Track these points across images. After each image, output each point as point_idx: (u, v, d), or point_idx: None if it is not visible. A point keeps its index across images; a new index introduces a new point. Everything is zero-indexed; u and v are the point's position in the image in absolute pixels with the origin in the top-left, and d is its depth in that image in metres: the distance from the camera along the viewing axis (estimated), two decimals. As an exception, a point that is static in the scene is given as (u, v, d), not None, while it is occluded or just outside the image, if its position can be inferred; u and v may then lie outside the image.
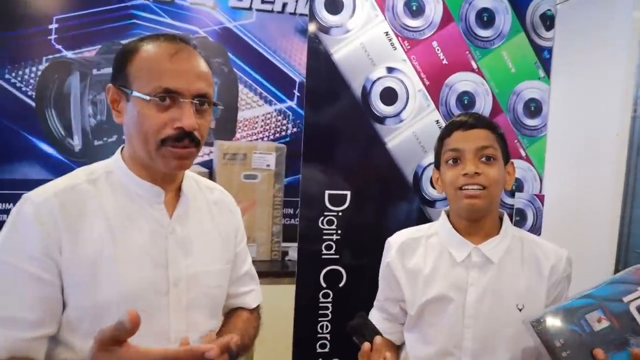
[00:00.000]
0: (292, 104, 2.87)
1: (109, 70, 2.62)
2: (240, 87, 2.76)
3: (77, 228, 0.87)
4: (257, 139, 2.82)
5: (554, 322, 0.84)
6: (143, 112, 0.87)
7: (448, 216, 1.20)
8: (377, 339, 0.95)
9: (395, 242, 1.24)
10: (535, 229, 1.94)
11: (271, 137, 2.86)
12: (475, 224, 1.12)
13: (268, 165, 2.39)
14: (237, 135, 2.78)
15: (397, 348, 1.26)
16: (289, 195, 2.67)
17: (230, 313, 1.13)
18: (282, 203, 2.45)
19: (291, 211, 2.88)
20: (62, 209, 0.87)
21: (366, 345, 0.94)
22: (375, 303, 1.30)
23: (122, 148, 0.99)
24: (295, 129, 2.88)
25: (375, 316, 1.27)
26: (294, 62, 2.84)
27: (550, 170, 1.93)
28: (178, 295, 0.94)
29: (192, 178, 1.07)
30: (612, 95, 1.68)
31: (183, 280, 0.95)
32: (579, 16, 1.83)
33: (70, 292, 0.86)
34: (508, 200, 1.93)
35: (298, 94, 2.85)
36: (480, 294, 1.08)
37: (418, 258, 1.19)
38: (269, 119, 2.88)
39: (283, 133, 2.89)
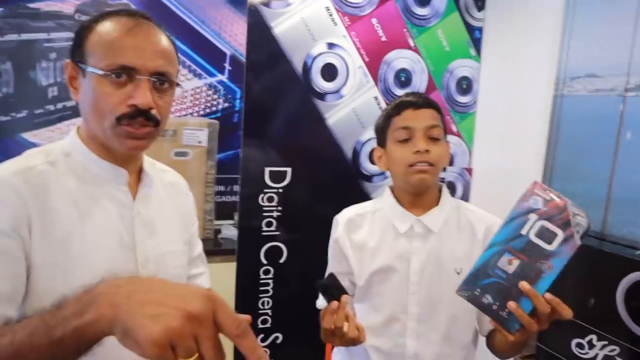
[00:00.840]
0: (223, 77, 2.78)
1: (14, 37, 2.38)
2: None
3: (44, 208, 0.81)
4: (186, 115, 2.71)
5: (475, 284, 0.87)
6: (98, 88, 0.82)
7: (392, 191, 1.23)
8: (344, 297, 0.98)
9: (342, 218, 1.27)
10: (464, 200, 2.05)
11: (201, 112, 2.76)
12: (419, 197, 1.17)
13: (200, 142, 2.31)
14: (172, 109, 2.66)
15: None
16: (221, 173, 2.60)
17: None
18: (215, 180, 2.39)
19: (223, 188, 2.82)
20: (27, 187, 0.80)
21: (334, 303, 0.97)
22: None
23: (78, 128, 0.92)
24: (226, 104, 2.80)
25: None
26: (225, 34, 2.74)
27: (478, 145, 2.04)
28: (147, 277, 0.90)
29: (148, 160, 1.02)
30: (537, 75, 1.79)
31: (151, 262, 0.92)
32: (508, -2, 1.92)
33: (40, 275, 0.80)
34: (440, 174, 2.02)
35: (229, 68, 2.77)
36: (423, 262, 1.14)
37: (364, 232, 1.22)
38: (198, 93, 2.77)
39: (214, 108, 2.80)
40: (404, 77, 1.92)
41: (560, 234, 0.83)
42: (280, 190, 1.80)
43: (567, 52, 1.69)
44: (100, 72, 0.81)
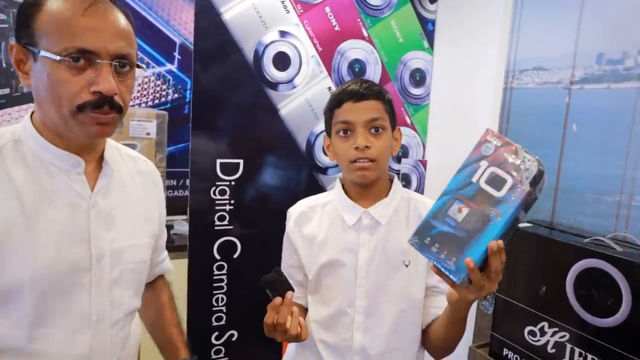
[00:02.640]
0: (173, 67, 2.68)
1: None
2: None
3: None
4: (133, 105, 2.59)
5: (425, 232, 0.84)
6: (54, 74, 0.75)
7: (343, 184, 1.21)
8: (289, 294, 0.96)
9: (294, 212, 1.25)
10: (419, 192, 2.06)
11: (150, 103, 2.65)
12: (366, 190, 1.15)
13: (148, 134, 2.22)
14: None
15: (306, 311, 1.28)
16: (172, 166, 2.51)
17: (150, 298, 1.09)
18: (165, 174, 2.30)
19: (174, 182, 2.73)
20: None
21: (278, 299, 0.95)
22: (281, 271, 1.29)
23: (32, 113, 0.86)
24: (176, 95, 2.70)
25: None
26: (174, 22, 2.64)
27: (432, 137, 2.05)
28: (101, 272, 0.86)
29: (113, 146, 0.96)
30: (487, 68, 1.82)
31: (106, 256, 0.87)
32: (460, -9, 1.93)
33: None
34: (395, 166, 2.02)
35: (179, 57, 2.67)
36: (370, 254, 1.12)
37: (313, 225, 1.20)
38: (146, 83, 2.66)
39: (163, 99, 2.70)
40: (357, 68, 1.90)
41: (509, 180, 0.80)
42: (233, 183, 1.74)
43: (516, 45, 1.72)
44: (57, 58, 0.74)
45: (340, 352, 1.12)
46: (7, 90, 2.35)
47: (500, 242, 0.80)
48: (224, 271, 1.77)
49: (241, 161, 1.75)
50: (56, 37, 0.75)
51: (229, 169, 1.73)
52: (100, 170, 0.89)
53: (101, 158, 0.91)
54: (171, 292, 1.19)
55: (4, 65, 2.34)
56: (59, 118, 0.79)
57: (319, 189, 1.89)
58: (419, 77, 2.01)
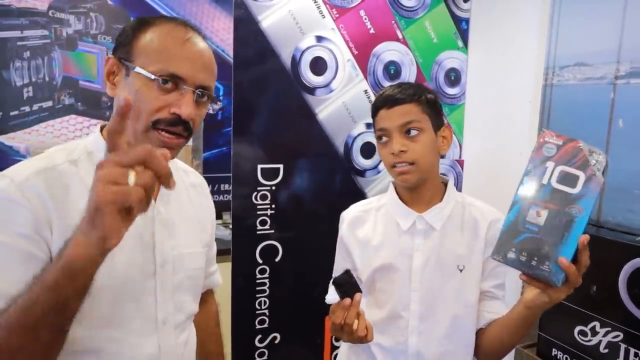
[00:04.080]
0: (205, 74, 2.73)
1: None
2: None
3: (64, 210, 0.81)
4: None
5: (507, 244, 0.84)
6: (143, 90, 0.83)
7: (395, 187, 1.22)
8: (357, 295, 0.97)
9: (347, 216, 1.26)
10: (457, 193, 2.06)
11: (184, 110, 2.70)
12: (416, 193, 1.16)
13: (185, 140, 2.26)
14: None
15: None
16: (207, 172, 2.56)
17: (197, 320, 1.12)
18: (203, 179, 2.34)
19: (210, 188, 2.78)
20: (48, 188, 0.80)
21: (347, 300, 0.96)
22: (333, 274, 1.30)
23: (102, 127, 0.93)
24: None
25: (331, 287, 1.28)
26: (207, 30, 2.69)
27: (468, 136, 2.04)
28: (164, 277, 0.91)
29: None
30: (525, 65, 1.80)
31: (169, 262, 0.92)
32: (494, -12, 1.92)
33: None
34: (432, 167, 2.01)
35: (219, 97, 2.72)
36: (425, 259, 1.12)
37: (367, 229, 1.21)
38: (180, 91, 2.71)
39: (197, 106, 2.75)
40: (393, 70, 1.90)
41: (582, 175, 0.81)
42: (273, 188, 1.77)
43: (556, 41, 1.70)
44: (151, 76, 0.82)
45: (395, 355, 1.13)
46: (50, 103, 2.43)
47: (587, 235, 0.81)
48: (266, 275, 1.80)
49: (281, 166, 1.77)
50: (154, 59, 0.83)
51: (269, 174, 1.76)
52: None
53: None
54: (218, 316, 1.24)
55: (47, 78, 2.42)
56: (132, 132, 0.85)
57: (357, 191, 1.91)
58: (453, 77, 2.00)
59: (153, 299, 0.90)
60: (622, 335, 1.29)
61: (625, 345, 1.28)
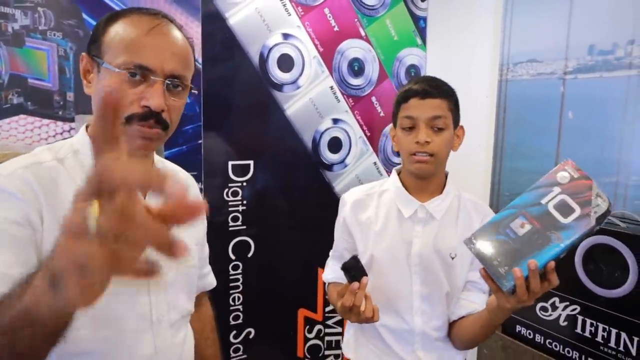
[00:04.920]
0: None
1: None
2: (101, 53, 2.48)
3: (54, 203, 0.78)
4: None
5: (483, 237, 0.90)
6: (111, 84, 0.80)
7: (399, 174, 1.26)
8: (364, 279, 1.02)
9: (349, 198, 1.29)
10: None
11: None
12: (424, 183, 1.22)
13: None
14: (102, 108, 2.51)
15: None
16: (168, 170, 2.51)
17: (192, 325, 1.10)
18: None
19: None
20: (37, 182, 0.78)
21: (355, 284, 1.01)
22: (331, 253, 1.36)
23: (87, 126, 0.90)
24: (167, 99, 2.69)
25: (332, 266, 1.33)
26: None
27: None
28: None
29: (159, 160, 1.00)
30: (481, 61, 1.90)
31: (161, 261, 0.89)
32: (449, -12, 2.02)
33: None
34: (395, 160, 2.09)
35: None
36: (423, 245, 1.19)
37: (370, 213, 1.25)
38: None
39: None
40: (357, 66, 1.96)
41: (578, 210, 0.86)
42: (244, 184, 1.78)
43: (509, 38, 1.81)
44: (115, 70, 0.79)
45: (402, 334, 1.19)
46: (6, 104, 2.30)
47: (553, 263, 0.86)
48: (239, 270, 1.81)
49: (251, 162, 1.79)
50: (119, 52, 0.80)
51: (240, 170, 1.77)
52: None
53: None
54: (213, 320, 1.23)
55: (-7, 77, 2.29)
56: None
57: (325, 185, 1.95)
58: (414, 73, 2.08)
59: (147, 298, 0.88)
60: (579, 308, 1.41)
61: (582, 317, 1.41)
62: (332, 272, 1.32)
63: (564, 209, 0.87)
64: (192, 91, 0.89)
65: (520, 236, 0.88)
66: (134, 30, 0.81)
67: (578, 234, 0.85)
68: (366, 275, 1.02)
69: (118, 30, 0.81)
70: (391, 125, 1.27)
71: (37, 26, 2.43)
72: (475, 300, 1.18)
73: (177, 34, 0.85)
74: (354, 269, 1.02)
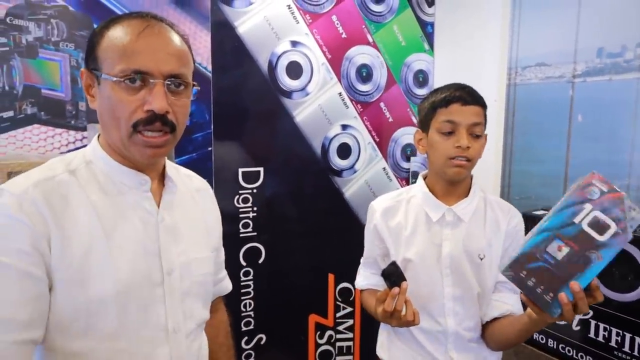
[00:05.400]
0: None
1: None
2: (112, 63, 2.52)
3: (63, 221, 0.78)
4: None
5: (521, 266, 0.88)
6: (113, 95, 0.79)
7: (424, 179, 1.27)
8: (404, 284, 1.03)
9: (379, 206, 1.30)
10: (428, 189, 2.15)
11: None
12: (453, 187, 1.23)
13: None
14: (114, 117, 2.54)
15: None
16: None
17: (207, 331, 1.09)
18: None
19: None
20: (46, 201, 0.78)
21: (396, 289, 1.02)
22: (363, 261, 1.37)
23: (99, 136, 0.90)
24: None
25: (364, 273, 1.35)
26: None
27: (437, 135, 2.13)
28: (172, 285, 0.89)
29: (172, 166, 1.00)
30: (489, 65, 1.91)
31: (176, 269, 0.89)
32: (456, -6, 2.02)
33: (61, 291, 0.78)
34: (404, 165, 2.10)
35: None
36: (453, 247, 1.21)
37: (400, 218, 1.27)
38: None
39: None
40: (365, 73, 1.97)
41: (613, 227, 0.84)
42: (255, 191, 1.79)
43: (517, 42, 1.81)
44: (114, 79, 0.79)
45: (436, 336, 1.20)
46: (10, 113, 2.35)
47: (596, 281, 0.86)
48: (250, 277, 1.82)
49: (261, 169, 1.80)
50: (115, 60, 0.79)
51: (250, 177, 1.78)
52: (163, 187, 0.93)
53: (162, 176, 0.95)
54: (229, 327, 1.20)
55: (7, 87, 2.34)
56: (118, 139, 0.83)
57: (335, 191, 1.96)
58: (422, 78, 2.09)
59: (162, 308, 0.88)
60: (592, 313, 1.41)
61: (596, 322, 1.40)
62: (365, 279, 1.34)
63: (599, 227, 0.85)
64: (195, 87, 0.88)
65: (560, 260, 0.86)
66: (124, 36, 0.80)
67: (617, 249, 0.84)
68: (405, 280, 1.03)
69: (110, 40, 0.81)
70: (417, 130, 1.27)
71: (50, 37, 2.48)
72: (508, 301, 1.19)
73: (169, 33, 0.84)
74: (393, 275, 1.03)
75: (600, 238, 0.85)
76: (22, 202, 0.76)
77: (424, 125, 1.25)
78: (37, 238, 0.75)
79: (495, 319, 1.19)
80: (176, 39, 0.84)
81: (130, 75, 0.79)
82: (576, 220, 0.86)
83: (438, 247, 1.20)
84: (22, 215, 0.75)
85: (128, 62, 0.78)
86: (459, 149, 1.15)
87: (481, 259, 1.18)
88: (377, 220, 1.28)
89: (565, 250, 0.86)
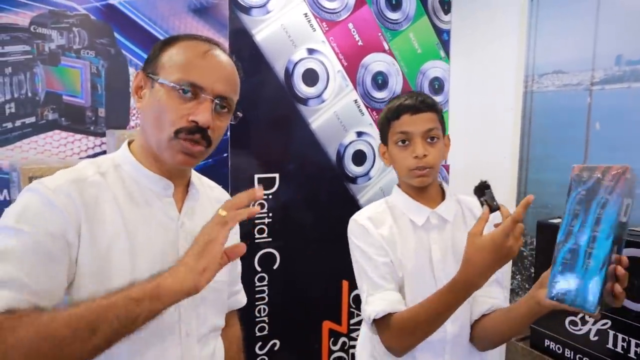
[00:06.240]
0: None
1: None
2: (131, 70, 2.56)
3: (94, 218, 0.83)
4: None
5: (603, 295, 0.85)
6: (164, 99, 0.86)
7: (400, 188, 1.27)
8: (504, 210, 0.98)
9: (362, 217, 1.24)
10: (444, 197, 2.14)
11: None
12: (426, 193, 1.22)
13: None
14: (132, 124, 2.58)
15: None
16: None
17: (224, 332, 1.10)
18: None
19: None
20: (80, 196, 0.83)
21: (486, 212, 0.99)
22: (369, 286, 1.19)
23: (130, 141, 0.96)
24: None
25: (379, 296, 1.16)
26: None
27: (453, 142, 2.13)
28: None
29: (196, 175, 1.04)
30: (506, 73, 1.90)
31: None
32: (473, 0, 2.02)
33: (84, 282, 0.82)
34: (419, 172, 2.10)
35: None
36: (443, 250, 1.19)
37: (388, 227, 1.23)
38: (163, 104, 2.71)
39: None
40: (380, 80, 1.98)
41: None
42: (270, 197, 1.81)
43: (534, 50, 1.81)
44: (170, 84, 0.85)
45: (433, 344, 1.16)
46: (33, 119, 2.40)
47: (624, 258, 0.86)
48: (265, 282, 1.83)
49: (277, 175, 1.81)
50: (176, 70, 0.86)
51: (266, 183, 1.80)
52: (187, 195, 0.97)
53: (188, 183, 0.98)
54: (241, 341, 1.20)
55: (30, 94, 2.39)
56: (156, 141, 0.88)
57: (350, 198, 1.96)
58: (437, 85, 2.09)
59: (176, 312, 0.90)
60: (610, 323, 1.38)
61: (614, 332, 1.37)
62: (383, 303, 1.12)
63: (626, 211, 0.85)
64: (238, 114, 0.95)
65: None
66: (189, 52, 0.88)
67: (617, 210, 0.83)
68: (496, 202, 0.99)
69: (175, 52, 0.88)
70: (380, 143, 1.27)
71: (72, 45, 2.53)
72: (494, 295, 1.17)
73: (227, 60, 0.92)
74: (485, 192, 0.99)
75: (625, 219, 0.85)
76: (59, 193, 0.82)
77: (383, 138, 1.25)
78: (67, 228, 0.80)
79: (483, 315, 1.17)
80: (232, 67, 0.93)
81: (185, 85, 0.85)
82: (622, 219, 0.84)
83: (427, 252, 1.19)
84: (59, 202, 0.80)
85: (187, 74, 0.86)
86: (416, 158, 1.15)
87: None
88: (371, 230, 1.20)
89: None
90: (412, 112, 1.17)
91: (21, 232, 0.78)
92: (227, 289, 1.06)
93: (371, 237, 1.20)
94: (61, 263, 0.80)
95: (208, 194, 1.05)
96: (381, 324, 1.11)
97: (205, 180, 1.09)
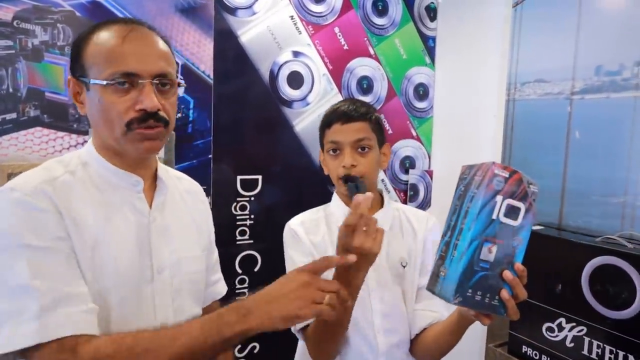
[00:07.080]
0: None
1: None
2: (116, 68, 2.55)
3: (73, 216, 0.82)
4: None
5: (464, 287, 0.86)
6: (104, 98, 0.83)
7: (339, 197, 1.26)
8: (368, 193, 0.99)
9: (296, 222, 1.27)
10: (426, 202, 2.15)
11: (153, 122, 2.68)
12: None
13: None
14: (116, 122, 2.56)
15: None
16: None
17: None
18: (174, 192, 2.33)
19: (180, 200, 2.75)
20: (57, 196, 0.82)
21: (360, 196, 0.98)
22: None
23: (93, 138, 0.93)
24: (180, 114, 2.74)
25: None
26: (176, 43, 2.69)
27: (437, 147, 2.15)
28: (163, 283, 0.91)
29: (163, 168, 1.02)
30: (489, 81, 1.92)
31: (167, 268, 0.92)
32: (458, 9, 2.04)
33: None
34: (403, 177, 2.10)
35: (181, 78, 2.72)
36: (377, 260, 1.16)
37: (322, 235, 1.23)
38: (148, 103, 2.69)
39: (165, 118, 2.73)
40: (365, 84, 1.98)
41: (522, 207, 0.86)
42: (252, 199, 1.80)
43: (517, 59, 1.83)
44: (104, 83, 0.82)
45: (364, 355, 1.15)
46: (14, 115, 2.36)
47: (520, 265, 0.87)
48: (246, 285, 1.82)
49: (260, 177, 1.81)
50: (102, 66, 0.83)
51: (248, 185, 1.79)
52: (155, 188, 0.96)
53: (154, 177, 0.97)
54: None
55: (11, 90, 2.36)
56: (112, 140, 0.86)
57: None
58: (422, 91, 2.10)
59: (151, 305, 0.90)
60: (585, 329, 1.40)
61: (589, 338, 1.39)
62: None
63: (512, 212, 0.87)
64: (181, 85, 0.91)
65: (493, 261, 0.87)
66: (109, 41, 0.83)
67: (530, 227, 0.87)
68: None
69: (95, 46, 0.84)
70: (320, 150, 1.27)
71: (56, 42, 2.50)
72: (434, 309, 1.16)
73: (152, 35, 0.87)
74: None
75: (516, 223, 0.86)
76: (40, 196, 0.80)
77: (321, 145, 1.25)
78: (61, 226, 0.80)
79: (424, 329, 1.16)
80: (159, 41, 0.88)
81: (119, 78, 0.82)
82: (494, 216, 0.86)
83: None
84: (44, 205, 0.79)
85: (116, 66, 0.82)
86: (345, 168, 1.14)
87: (404, 267, 1.17)
88: (302, 235, 1.22)
89: (494, 249, 0.87)
90: (342, 121, 1.16)
91: (32, 247, 0.77)
92: (204, 278, 1.05)
93: (300, 243, 1.21)
94: (75, 260, 0.81)
95: (177, 186, 1.04)
96: (305, 332, 1.14)
97: (172, 171, 1.08)
